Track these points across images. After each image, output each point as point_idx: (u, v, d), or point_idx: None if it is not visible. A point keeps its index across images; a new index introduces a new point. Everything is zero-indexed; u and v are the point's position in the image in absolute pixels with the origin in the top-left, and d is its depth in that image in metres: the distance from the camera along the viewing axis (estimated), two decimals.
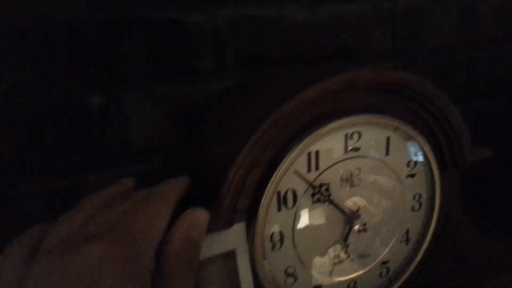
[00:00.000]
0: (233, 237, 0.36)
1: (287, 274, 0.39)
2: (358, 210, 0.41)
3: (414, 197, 0.44)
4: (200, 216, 0.28)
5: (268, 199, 0.35)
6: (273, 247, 0.38)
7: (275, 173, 0.35)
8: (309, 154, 0.37)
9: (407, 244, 0.45)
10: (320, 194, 0.38)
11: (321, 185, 0.38)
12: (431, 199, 0.45)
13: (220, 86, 0.52)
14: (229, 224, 0.35)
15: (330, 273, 0.42)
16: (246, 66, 0.53)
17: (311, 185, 0.38)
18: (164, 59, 0.48)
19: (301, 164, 0.37)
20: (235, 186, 0.33)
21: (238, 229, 0.36)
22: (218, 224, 0.33)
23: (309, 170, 0.37)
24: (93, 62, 0.45)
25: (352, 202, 0.41)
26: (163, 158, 0.49)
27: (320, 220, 0.39)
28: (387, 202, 0.42)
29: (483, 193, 0.68)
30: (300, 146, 0.35)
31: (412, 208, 0.44)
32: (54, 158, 0.44)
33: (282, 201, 0.37)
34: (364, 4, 0.59)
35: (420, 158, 0.42)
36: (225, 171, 0.33)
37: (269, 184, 0.35)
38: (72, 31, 0.44)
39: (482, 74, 0.72)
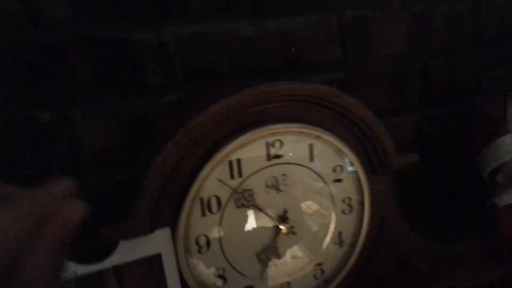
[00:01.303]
0: (158, 241, 0.37)
1: (216, 276, 0.41)
2: (285, 214, 0.42)
3: (343, 201, 0.45)
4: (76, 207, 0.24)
5: (189, 205, 0.37)
6: (199, 251, 0.39)
7: (195, 180, 0.37)
8: (230, 162, 0.38)
9: (341, 246, 0.46)
10: (244, 200, 0.40)
11: (244, 191, 0.39)
12: (361, 203, 0.46)
13: (170, 99, 0.54)
14: (151, 229, 0.36)
15: (262, 275, 0.43)
16: (195, 80, 0.55)
17: (234, 191, 0.39)
18: (112, 75, 0.51)
19: (223, 171, 0.38)
20: (151, 193, 0.34)
21: (162, 234, 0.37)
22: (138, 229, 0.35)
23: (232, 177, 0.39)
24: (43, 80, 0.47)
25: (279, 207, 0.42)
26: (112, 171, 0.51)
27: (247, 224, 0.41)
28: (315, 206, 0.44)
29: (429, 197, 0.70)
30: (220, 155, 0.37)
31: (343, 212, 0.46)
32: (3, 172, 0.46)
33: (206, 207, 0.39)
34: (312, 17, 0.61)
35: (346, 164, 0.44)
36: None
37: (190, 191, 0.37)
38: (22, 50, 0.46)
39: (437, 81, 0.73)
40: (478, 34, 0.74)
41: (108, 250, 0.36)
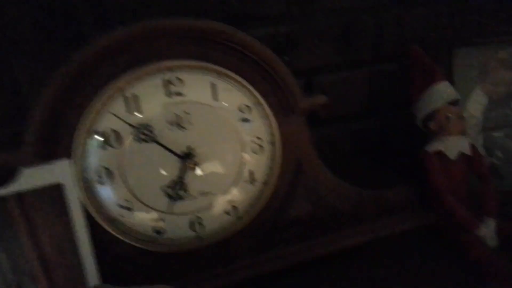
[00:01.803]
0: (58, 171, 0.39)
1: (121, 207, 0.43)
2: (190, 151, 0.43)
3: (253, 141, 0.46)
4: None
5: (84, 137, 0.39)
6: (101, 183, 0.41)
7: (88, 113, 0.38)
8: (126, 98, 0.39)
9: (252, 184, 0.48)
10: (144, 135, 0.41)
11: (144, 127, 0.41)
12: (273, 143, 0.46)
13: None
14: (49, 159, 0.38)
15: (170, 210, 0.45)
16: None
17: (133, 126, 0.40)
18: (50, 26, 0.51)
19: (119, 106, 0.39)
20: (39, 123, 0.36)
21: (62, 165, 0.39)
22: (30, 157, 0.37)
23: (129, 112, 0.40)
24: None
25: (184, 144, 0.43)
26: None
27: (150, 159, 0.42)
28: (223, 144, 0.45)
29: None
30: (112, 88, 0.38)
31: (254, 151, 0.46)
32: None
33: (105, 140, 0.40)
34: None
35: (252, 104, 0.44)
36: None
37: (83, 124, 0.38)
38: None
39: (390, 36, 0.71)
40: None
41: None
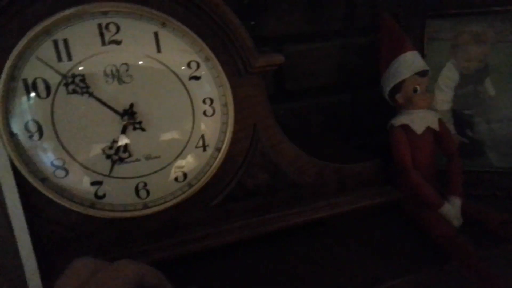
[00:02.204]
0: None
1: (55, 166, 0.39)
2: (131, 108, 0.39)
3: (204, 102, 0.42)
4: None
5: (6, 85, 0.34)
6: (30, 137, 0.37)
7: (10, 57, 0.33)
8: (55, 42, 0.35)
9: (204, 150, 0.44)
10: (76, 85, 0.37)
11: (75, 76, 0.36)
12: (225, 105, 0.43)
13: None
14: None
15: (111, 172, 0.41)
16: None
17: (62, 75, 0.36)
18: None
19: (46, 51, 0.35)
20: None
21: None
22: None
23: (59, 59, 0.36)
24: None
25: (123, 100, 0.39)
26: None
27: (85, 114, 0.38)
28: (169, 102, 0.41)
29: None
30: (37, 30, 0.34)
31: (205, 113, 0.43)
32: None
33: (31, 89, 0.36)
34: None
35: (201, 59, 0.40)
36: None
37: (3, 70, 0.34)
38: None
39: (362, 7, 0.68)
40: None
41: None
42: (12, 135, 0.36)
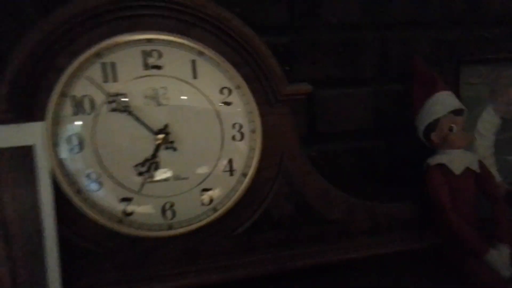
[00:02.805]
0: (31, 133, 0.38)
1: (90, 179, 0.40)
2: (166, 128, 0.41)
3: (233, 126, 0.43)
4: None
5: (57, 100, 0.38)
6: (71, 149, 0.39)
7: (63, 76, 0.37)
8: (104, 64, 0.39)
9: (231, 175, 0.44)
10: (118, 105, 0.39)
11: (118, 95, 0.39)
12: (253, 131, 0.43)
13: None
14: (23, 119, 0.37)
15: (141, 189, 0.42)
16: None
17: (107, 94, 0.39)
18: None
19: (95, 72, 0.39)
20: (20, 87, 0.36)
21: (36, 127, 0.38)
22: (8, 118, 0.36)
23: (106, 80, 0.39)
24: None
25: (159, 120, 0.41)
26: None
27: (123, 131, 0.40)
28: (200, 125, 0.42)
29: None
30: (89, 53, 0.38)
31: (233, 138, 0.43)
32: None
33: (78, 105, 0.39)
34: None
35: (233, 86, 0.42)
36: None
37: (58, 86, 0.37)
38: None
39: (395, 55, 0.69)
40: (446, 12, 0.69)
41: None
42: (56, 146, 0.39)
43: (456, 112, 0.50)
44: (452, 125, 0.49)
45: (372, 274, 0.47)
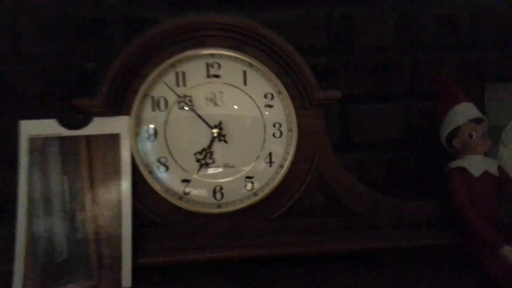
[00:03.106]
0: (119, 124, 0.50)
1: (160, 162, 0.51)
2: (220, 124, 0.51)
3: (274, 125, 0.52)
4: None
5: (141, 99, 0.49)
6: (148, 138, 0.50)
7: (145, 81, 0.49)
8: (177, 73, 0.50)
9: (270, 166, 0.52)
10: (185, 104, 0.50)
11: (186, 97, 0.50)
12: (290, 130, 0.52)
13: None
14: (115, 112, 0.49)
15: (197, 172, 0.51)
16: None
17: (178, 95, 0.50)
18: None
19: (170, 78, 0.50)
20: (110, 81, 0.47)
21: (123, 120, 0.50)
22: (100, 108, 0.48)
23: (177, 85, 0.50)
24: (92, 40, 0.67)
25: (216, 117, 0.51)
26: None
27: (188, 125, 0.51)
28: (247, 123, 0.51)
29: None
30: (166, 64, 0.49)
31: (274, 135, 0.52)
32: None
33: (155, 104, 0.50)
34: (299, 12, 0.72)
35: (275, 92, 0.52)
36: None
37: (141, 89, 0.49)
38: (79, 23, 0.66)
39: (426, 73, 0.75)
40: (475, 35, 0.75)
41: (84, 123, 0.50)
42: (136, 135, 0.50)
43: (476, 121, 0.55)
44: (472, 132, 0.55)
45: (393, 266, 0.52)
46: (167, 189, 0.50)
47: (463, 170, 0.54)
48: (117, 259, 0.47)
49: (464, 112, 0.55)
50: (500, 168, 0.54)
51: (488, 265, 0.47)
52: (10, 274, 0.45)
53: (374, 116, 0.74)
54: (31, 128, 0.48)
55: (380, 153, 0.75)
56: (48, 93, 0.65)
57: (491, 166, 0.53)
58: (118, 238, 0.48)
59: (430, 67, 0.73)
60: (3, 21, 0.66)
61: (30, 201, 0.47)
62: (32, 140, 0.48)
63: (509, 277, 0.45)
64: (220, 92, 0.50)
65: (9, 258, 0.46)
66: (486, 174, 0.53)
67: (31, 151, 0.48)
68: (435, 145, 0.63)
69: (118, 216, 0.48)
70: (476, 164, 0.53)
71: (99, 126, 0.49)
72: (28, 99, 0.65)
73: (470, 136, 0.54)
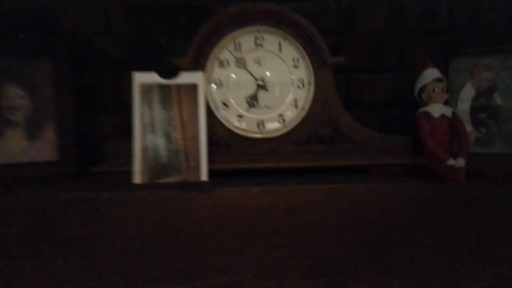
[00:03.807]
0: (197, 78, 0.75)
1: (223, 104, 0.76)
2: (262, 78, 0.76)
3: (299, 80, 0.77)
4: None
5: (211, 61, 0.74)
6: (217, 87, 0.76)
7: (214, 48, 0.74)
8: (235, 43, 0.75)
9: (296, 108, 0.77)
10: (240, 64, 0.75)
11: (241, 59, 0.75)
12: (309, 83, 0.77)
13: None
14: (195, 69, 0.74)
15: (248, 110, 0.77)
16: None
17: (236, 58, 0.75)
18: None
19: (231, 46, 0.75)
20: (195, 46, 0.73)
21: (199, 74, 0.75)
22: (188, 64, 0.73)
23: (236, 50, 0.75)
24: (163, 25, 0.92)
25: (260, 73, 0.76)
26: None
27: (242, 78, 0.76)
28: (281, 78, 0.76)
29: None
30: (228, 37, 0.74)
31: (298, 87, 0.77)
32: None
33: (221, 63, 0.75)
34: (315, 3, 0.96)
35: (301, 57, 0.76)
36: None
37: (211, 54, 0.74)
38: (151, 10, 0.91)
39: (409, 52, 0.98)
40: (449, 22, 0.98)
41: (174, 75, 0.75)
42: (208, 84, 0.75)
43: (438, 80, 0.79)
44: (435, 88, 0.79)
45: (380, 178, 0.77)
46: (227, 121, 0.76)
47: (427, 113, 0.78)
48: (198, 163, 0.73)
49: (430, 74, 0.80)
50: (453, 113, 0.78)
51: (439, 171, 0.72)
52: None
53: (371, 83, 0.99)
54: (141, 78, 0.74)
55: (374, 110, 0.99)
56: (132, 60, 0.91)
57: (447, 111, 0.78)
58: (197, 150, 0.73)
59: (413, 46, 0.97)
60: (99, 6, 0.91)
61: (142, 124, 0.73)
62: (142, 85, 0.74)
63: (451, 176, 0.70)
64: (263, 56, 0.75)
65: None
66: (443, 116, 0.77)
67: (141, 93, 0.73)
68: (415, 106, 0.87)
69: (197, 137, 0.74)
70: (436, 109, 0.78)
71: (184, 78, 0.74)
72: (117, 64, 0.91)
73: (433, 90, 0.79)
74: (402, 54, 0.97)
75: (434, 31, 0.96)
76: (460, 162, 0.72)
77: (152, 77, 0.73)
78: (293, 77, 0.75)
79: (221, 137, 0.75)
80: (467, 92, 0.85)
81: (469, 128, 0.82)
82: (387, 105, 0.98)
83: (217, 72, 0.74)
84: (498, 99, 0.81)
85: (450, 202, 0.64)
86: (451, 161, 0.72)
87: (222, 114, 0.75)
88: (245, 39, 0.74)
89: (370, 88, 0.98)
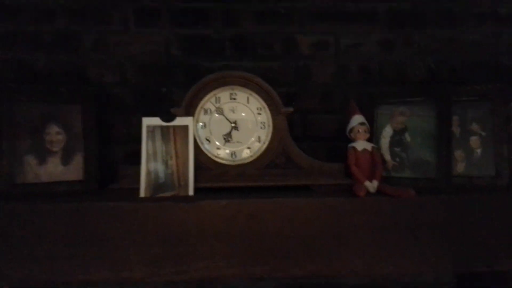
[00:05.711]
0: (188, 121, 1.01)
1: (206, 139, 1.02)
2: (235, 122, 1.02)
3: (261, 123, 1.03)
4: None
5: (198, 110, 1.01)
6: (201, 127, 1.02)
7: (201, 101, 1.01)
8: (216, 97, 1.01)
9: (258, 142, 1.03)
10: (219, 112, 1.01)
11: (219, 108, 1.02)
12: (269, 126, 1.03)
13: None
14: (187, 115, 1.00)
15: (224, 144, 1.02)
16: None
17: (216, 108, 1.02)
18: None
19: (212, 100, 1.01)
20: (189, 104, 0.99)
21: (190, 119, 1.01)
22: (182, 113, 1.00)
23: (216, 102, 1.02)
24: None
25: (233, 118, 1.02)
26: None
27: (220, 122, 1.02)
28: (248, 121, 1.03)
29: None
30: (211, 94, 1.01)
31: (261, 127, 1.03)
32: None
33: (205, 111, 1.02)
34: (280, 63, 1.24)
35: (263, 106, 1.03)
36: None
37: (199, 105, 1.01)
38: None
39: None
40: (380, 77, 1.26)
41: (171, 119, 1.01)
42: (201, 128, 1.01)
43: (361, 124, 1.06)
44: (359, 129, 1.05)
45: (318, 194, 1.02)
46: (209, 152, 1.01)
47: (354, 148, 1.05)
48: (186, 182, 0.98)
49: (356, 119, 1.06)
50: (373, 147, 1.04)
51: (359, 191, 0.98)
52: None
53: (321, 122, 1.26)
54: (147, 121, 0.99)
55: (324, 142, 1.26)
56: (140, 105, 1.17)
57: (368, 146, 1.04)
58: (187, 173, 0.99)
59: (352, 96, 1.24)
60: (117, 63, 1.18)
61: (147, 154, 0.98)
62: (148, 126, 0.99)
63: (362, 194, 0.96)
64: (236, 106, 1.02)
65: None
66: (365, 150, 1.04)
67: (148, 131, 0.99)
68: (349, 141, 1.14)
69: (187, 163, 0.99)
70: (360, 145, 1.04)
71: (179, 121, 1.00)
72: (129, 107, 1.17)
73: (358, 131, 1.05)
74: (344, 101, 1.25)
75: (368, 83, 1.24)
76: (374, 184, 0.98)
77: (155, 121, 0.99)
78: (258, 120, 1.02)
79: (204, 163, 1.01)
80: (387, 131, 1.11)
81: (387, 157, 1.08)
82: (333, 139, 1.25)
83: (203, 117, 1.00)
84: (408, 137, 1.08)
85: (361, 211, 0.89)
86: (367, 183, 0.98)
87: (206, 147, 1.01)
88: (223, 94, 1.00)
89: (321, 125, 1.25)
